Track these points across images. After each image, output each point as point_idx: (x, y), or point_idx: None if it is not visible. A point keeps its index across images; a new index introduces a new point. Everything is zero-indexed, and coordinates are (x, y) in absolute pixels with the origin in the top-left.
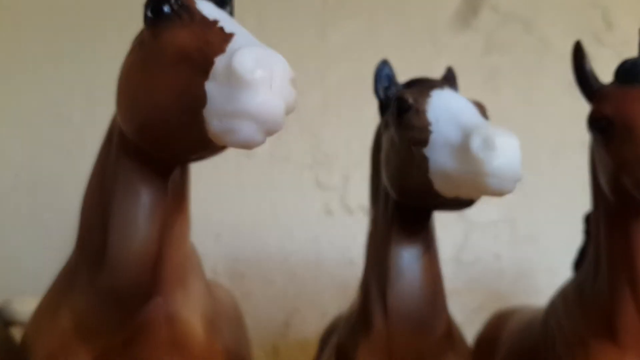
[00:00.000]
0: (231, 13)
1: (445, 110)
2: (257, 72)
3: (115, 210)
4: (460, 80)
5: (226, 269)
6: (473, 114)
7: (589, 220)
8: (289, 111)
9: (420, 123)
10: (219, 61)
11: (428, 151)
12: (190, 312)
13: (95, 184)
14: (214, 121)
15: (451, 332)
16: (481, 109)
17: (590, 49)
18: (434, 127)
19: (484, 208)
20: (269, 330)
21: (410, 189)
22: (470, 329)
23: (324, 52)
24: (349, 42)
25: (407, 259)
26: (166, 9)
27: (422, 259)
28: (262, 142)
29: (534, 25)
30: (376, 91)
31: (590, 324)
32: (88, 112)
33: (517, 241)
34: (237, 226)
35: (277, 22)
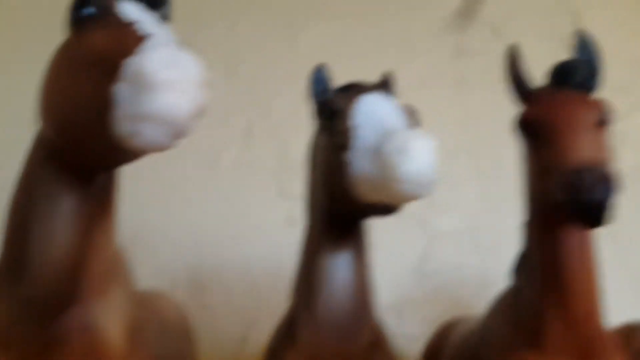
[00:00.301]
0: (166, 14)
1: (369, 116)
2: (163, 73)
3: (36, 218)
4: (431, 84)
5: (187, 280)
6: (397, 119)
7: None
8: (200, 114)
9: (344, 128)
10: (128, 63)
11: (350, 155)
12: (110, 321)
13: (19, 191)
14: (121, 124)
15: (378, 340)
16: (412, 113)
17: (559, 54)
18: (357, 132)
19: (447, 217)
20: (228, 341)
21: (335, 194)
22: None
23: (294, 56)
24: (320, 47)
25: (337, 267)
26: (86, 11)
27: (352, 268)
28: (169, 144)
29: (503, 31)
30: (311, 96)
31: (521, 330)
32: None
33: (479, 251)
34: (199, 237)
35: (248, 28)
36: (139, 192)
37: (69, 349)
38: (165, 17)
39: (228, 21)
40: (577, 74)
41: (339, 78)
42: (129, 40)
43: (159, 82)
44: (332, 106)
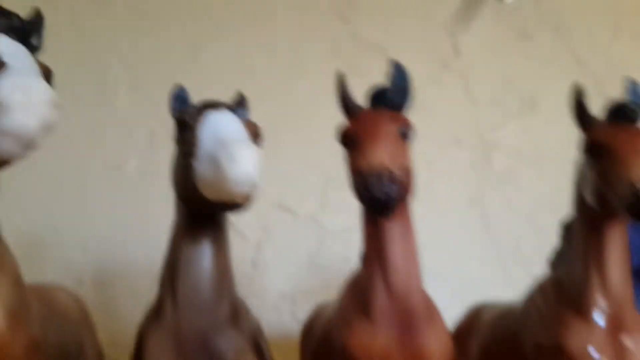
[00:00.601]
0: (36, 45)
1: (212, 129)
2: (13, 97)
3: None
4: (324, 103)
5: (92, 279)
6: (235, 132)
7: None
8: (49, 128)
9: (192, 139)
10: None
11: (195, 162)
12: None
13: None
14: None
15: (236, 315)
16: (252, 128)
17: (438, 74)
18: (201, 143)
19: (337, 217)
20: (130, 331)
21: (185, 195)
22: None
23: (194, 73)
24: (219, 65)
25: (197, 255)
26: None
27: (210, 255)
28: (21, 154)
29: (388, 51)
30: (171, 111)
31: (357, 304)
32: None
33: None
34: (106, 238)
35: (152, 45)
36: (50, 194)
37: None
38: (35, 48)
39: (134, 39)
40: (387, 97)
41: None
42: None
43: (10, 103)
44: (185, 120)
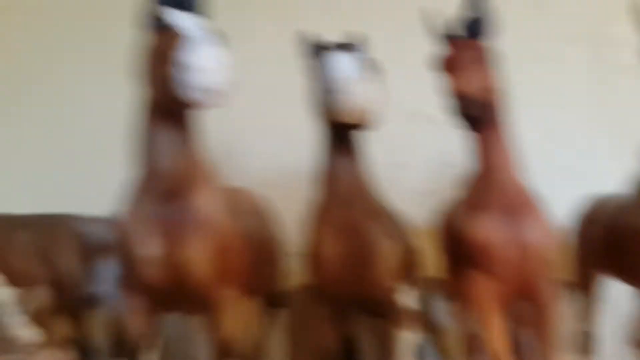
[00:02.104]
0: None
1: (332, 68)
2: (206, 63)
3: (155, 146)
4: None
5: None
6: (348, 71)
7: None
8: (232, 85)
9: (319, 77)
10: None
11: (325, 95)
12: (214, 203)
13: (141, 133)
14: (178, 91)
15: (380, 208)
16: (369, 63)
17: None
18: (325, 80)
19: None
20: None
21: (324, 120)
22: None
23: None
24: None
25: (343, 166)
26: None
27: (354, 165)
28: (221, 103)
29: None
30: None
31: (469, 201)
32: None
33: None
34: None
35: None
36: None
37: (191, 221)
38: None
39: None
40: (473, 27)
41: None
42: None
43: (205, 68)
44: (314, 65)
